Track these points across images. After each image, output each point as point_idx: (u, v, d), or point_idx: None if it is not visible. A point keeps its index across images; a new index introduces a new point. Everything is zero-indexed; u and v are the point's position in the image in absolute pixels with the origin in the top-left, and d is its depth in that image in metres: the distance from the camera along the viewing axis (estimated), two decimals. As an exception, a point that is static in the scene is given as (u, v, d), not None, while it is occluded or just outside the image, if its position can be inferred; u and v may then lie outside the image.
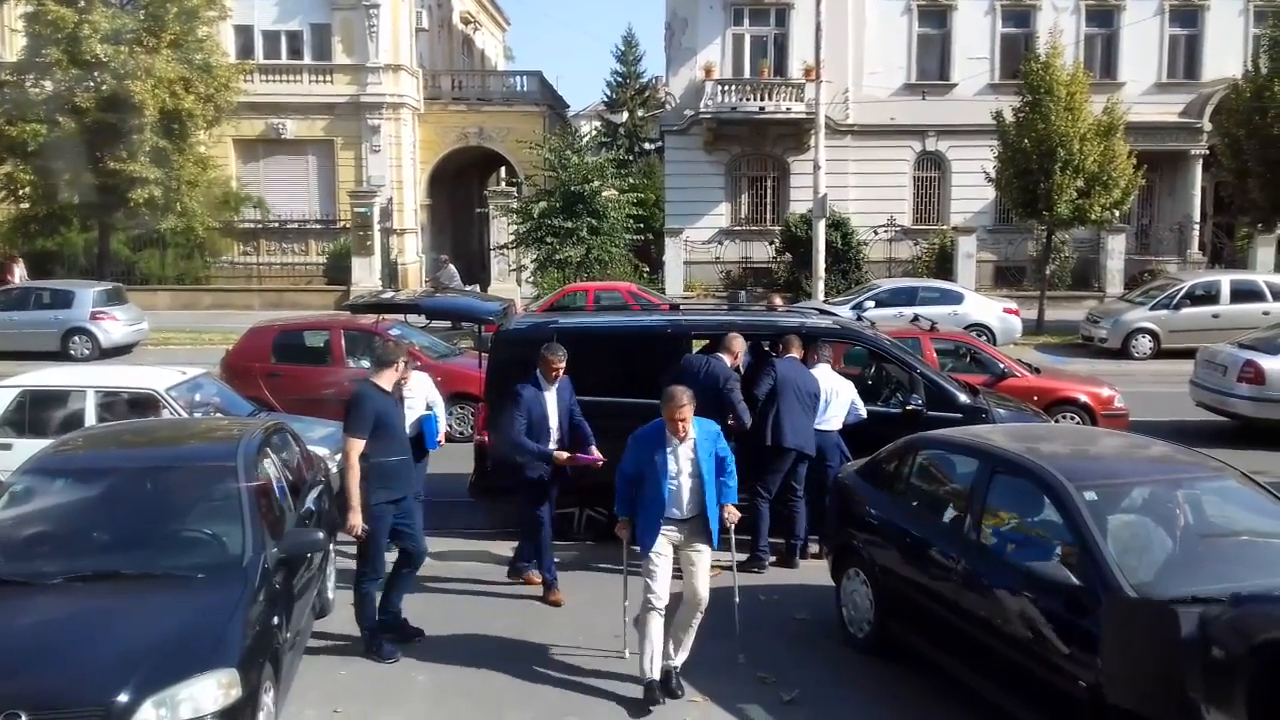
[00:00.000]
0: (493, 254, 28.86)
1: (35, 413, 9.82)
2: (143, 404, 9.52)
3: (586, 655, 6.89)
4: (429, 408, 8.68)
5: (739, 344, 8.81)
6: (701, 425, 6.37)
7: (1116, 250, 28.56)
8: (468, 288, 25.89)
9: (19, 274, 26.84)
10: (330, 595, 7.66)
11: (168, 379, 9.96)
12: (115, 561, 5.73)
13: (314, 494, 7.58)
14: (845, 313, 15.07)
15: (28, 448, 7.93)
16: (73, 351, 20.75)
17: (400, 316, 15.33)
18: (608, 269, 24.98)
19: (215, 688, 4.82)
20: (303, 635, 6.52)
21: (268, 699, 5.30)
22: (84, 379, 10.31)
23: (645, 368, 8.84)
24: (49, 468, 6.56)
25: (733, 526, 6.50)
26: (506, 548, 8.85)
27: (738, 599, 6.74)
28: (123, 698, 4.63)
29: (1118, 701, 4.74)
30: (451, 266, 28.08)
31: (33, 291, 22.27)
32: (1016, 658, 5.54)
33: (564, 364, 7.76)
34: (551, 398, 7.76)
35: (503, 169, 33.70)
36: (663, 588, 6.21)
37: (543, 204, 25.10)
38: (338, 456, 9.63)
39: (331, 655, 6.87)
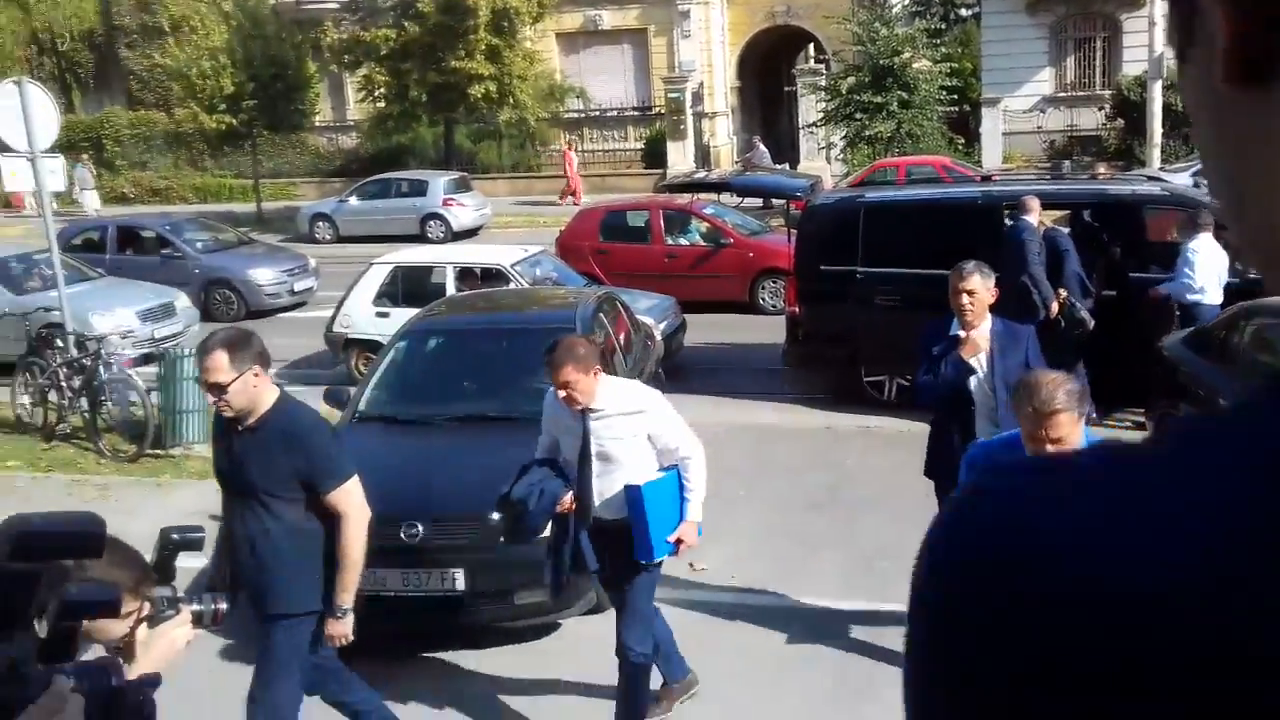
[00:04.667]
0: (801, 133, 28.78)
1: (406, 285, 11.41)
2: (494, 276, 10.81)
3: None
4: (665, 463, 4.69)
5: (1035, 203, 8.79)
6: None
7: None
8: (777, 167, 26.10)
9: (575, 162, 28.94)
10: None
11: (513, 255, 11.24)
12: (482, 406, 6.76)
13: (642, 355, 8.38)
14: (1183, 180, 14.01)
15: (401, 315, 9.39)
16: (429, 234, 22.79)
17: (713, 195, 15.97)
18: (919, 144, 24.29)
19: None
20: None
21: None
22: (443, 256, 11.78)
23: (956, 240, 8.84)
24: (421, 330, 7.74)
25: None
26: (816, 410, 9.33)
27: None
28: (495, 515, 5.56)
29: None
30: (762, 146, 28.32)
31: (393, 183, 24.70)
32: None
33: (991, 297, 4.83)
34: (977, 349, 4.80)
35: (810, 46, 33.10)
36: None
37: (851, 80, 24.67)
38: (662, 324, 10.53)
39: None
